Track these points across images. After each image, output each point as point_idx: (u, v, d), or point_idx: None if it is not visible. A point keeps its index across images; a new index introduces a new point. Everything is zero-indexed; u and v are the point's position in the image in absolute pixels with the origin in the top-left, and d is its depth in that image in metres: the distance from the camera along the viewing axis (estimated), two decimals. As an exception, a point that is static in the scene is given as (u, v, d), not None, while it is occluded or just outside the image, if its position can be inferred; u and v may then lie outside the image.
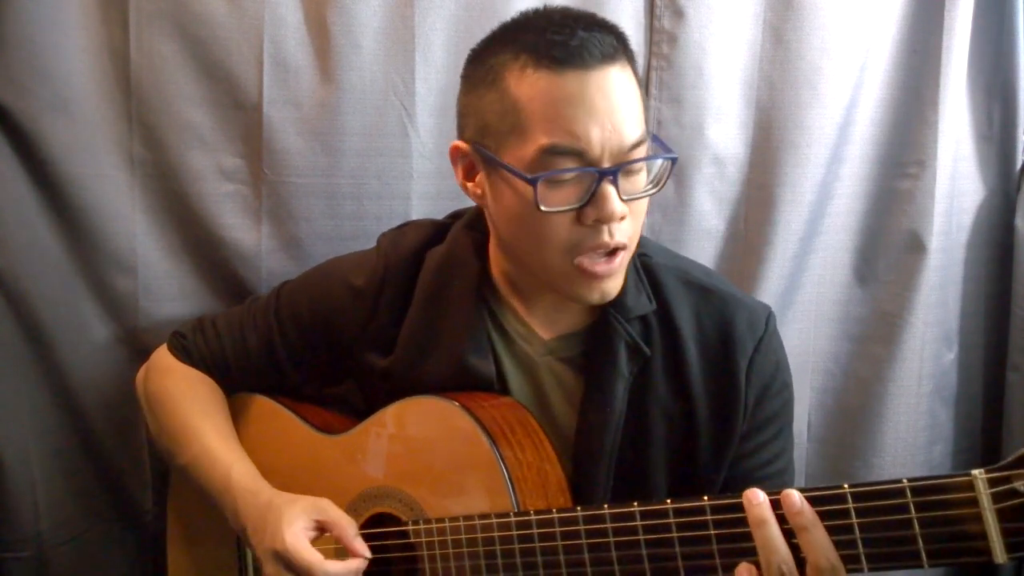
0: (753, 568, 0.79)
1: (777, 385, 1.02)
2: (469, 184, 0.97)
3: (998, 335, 1.51)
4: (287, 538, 0.95)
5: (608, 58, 0.88)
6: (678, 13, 1.33)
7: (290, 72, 1.24)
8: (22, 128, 1.17)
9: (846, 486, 0.75)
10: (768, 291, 1.39)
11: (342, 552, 0.99)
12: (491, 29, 1.26)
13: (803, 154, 1.36)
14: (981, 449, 1.54)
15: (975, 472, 0.70)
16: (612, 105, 0.87)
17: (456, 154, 0.97)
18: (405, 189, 1.30)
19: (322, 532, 0.99)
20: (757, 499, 0.78)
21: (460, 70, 1.27)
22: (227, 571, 1.15)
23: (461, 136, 0.97)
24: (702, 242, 1.40)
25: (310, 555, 0.95)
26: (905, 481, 0.72)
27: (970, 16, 1.36)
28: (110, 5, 1.20)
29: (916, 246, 1.41)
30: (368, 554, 0.97)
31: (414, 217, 1.28)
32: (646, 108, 0.93)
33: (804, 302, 1.43)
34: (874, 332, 1.44)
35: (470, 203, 1.18)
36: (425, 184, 1.31)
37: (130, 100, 1.22)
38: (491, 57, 0.92)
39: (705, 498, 0.81)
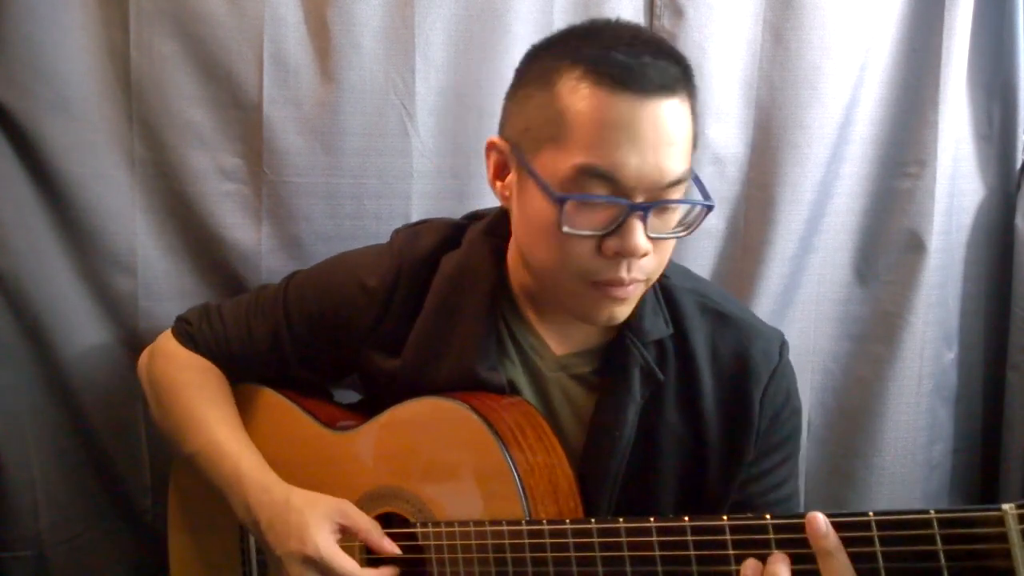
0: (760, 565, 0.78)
1: (787, 412, 1.01)
2: (498, 183, 0.95)
3: (998, 335, 1.51)
4: (320, 544, 0.94)
5: (667, 89, 0.84)
6: (678, 13, 1.32)
7: (290, 72, 1.24)
8: (22, 128, 1.17)
9: (871, 513, 0.73)
10: (768, 291, 1.39)
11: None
12: (491, 28, 1.27)
13: (803, 153, 1.36)
14: (981, 448, 1.55)
15: (1006, 507, 0.67)
16: (659, 138, 0.84)
17: (491, 149, 0.94)
18: (405, 188, 1.30)
19: (343, 535, 0.98)
20: (822, 531, 0.75)
21: (460, 69, 1.28)
22: (230, 558, 1.14)
23: (501, 132, 0.94)
24: (701, 241, 1.40)
25: (346, 562, 0.94)
26: (932, 512, 0.71)
27: (970, 16, 1.36)
28: (110, 5, 1.20)
29: (916, 246, 1.41)
30: (398, 551, 0.97)
31: (414, 217, 1.28)
32: (696, 145, 0.91)
33: (804, 302, 1.43)
34: (874, 331, 1.45)
35: (473, 204, 1.19)
36: (425, 183, 1.30)
37: (130, 100, 1.22)
38: (550, 59, 0.88)
39: (724, 517, 0.80)
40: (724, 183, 1.39)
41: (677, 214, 0.91)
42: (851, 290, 1.45)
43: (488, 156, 0.95)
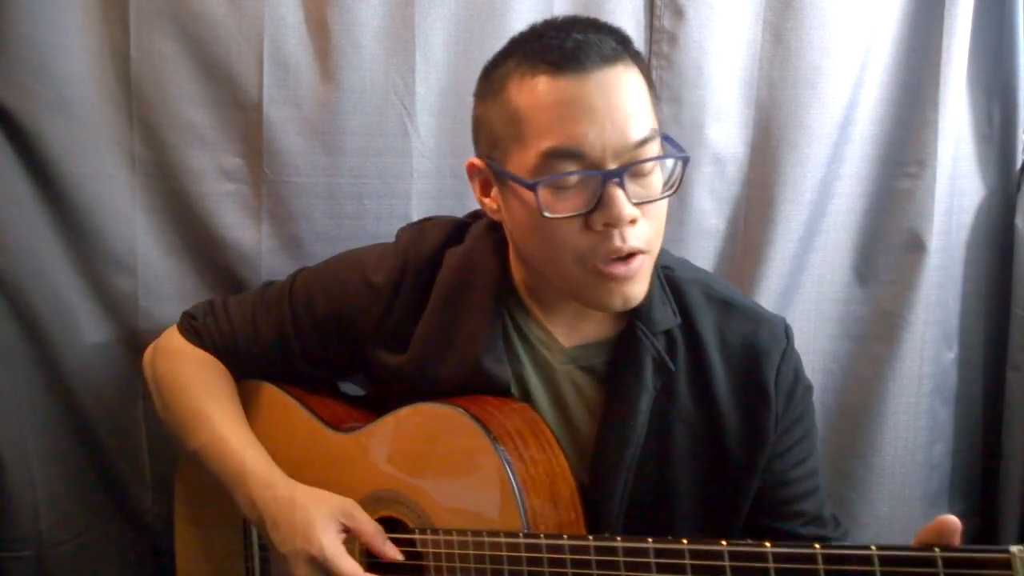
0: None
1: (800, 391, 1.03)
2: (486, 200, 0.98)
3: (998, 335, 1.51)
4: (325, 545, 0.95)
5: (607, 59, 0.87)
6: (678, 12, 1.33)
7: (290, 72, 1.24)
8: (22, 128, 1.17)
9: (874, 547, 0.72)
10: (768, 291, 1.39)
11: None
12: (491, 28, 1.27)
13: (803, 153, 1.36)
14: (981, 448, 1.55)
15: (1014, 549, 0.67)
16: (612, 104, 0.86)
17: (472, 171, 0.98)
18: (405, 188, 1.30)
19: (347, 535, 0.98)
20: None
21: (460, 69, 1.28)
22: (233, 552, 1.14)
23: (476, 152, 0.97)
24: (702, 242, 1.40)
25: (351, 565, 0.94)
26: (938, 551, 0.70)
27: (970, 16, 1.37)
28: (110, 5, 1.20)
29: (916, 245, 1.41)
30: (401, 557, 0.97)
31: (414, 217, 1.28)
32: (656, 108, 0.93)
33: (804, 302, 1.43)
34: (874, 331, 1.45)
35: (473, 204, 1.19)
36: (425, 183, 1.30)
37: (130, 99, 1.22)
38: (496, 69, 0.93)
39: (723, 542, 0.79)
40: (724, 183, 1.39)
41: (658, 176, 0.91)
42: (851, 290, 1.45)
43: (471, 178, 0.99)
